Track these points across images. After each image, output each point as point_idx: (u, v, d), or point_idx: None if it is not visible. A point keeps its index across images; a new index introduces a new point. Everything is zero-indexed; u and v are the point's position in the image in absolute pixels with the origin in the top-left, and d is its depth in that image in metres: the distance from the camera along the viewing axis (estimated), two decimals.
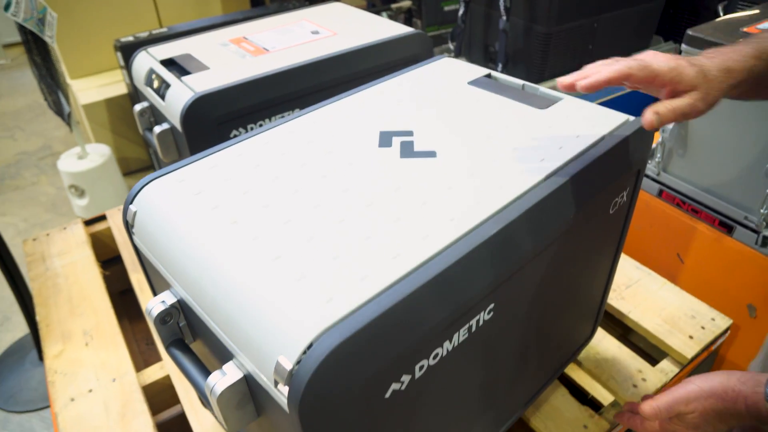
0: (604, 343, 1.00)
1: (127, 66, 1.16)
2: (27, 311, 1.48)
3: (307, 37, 1.16)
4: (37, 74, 1.85)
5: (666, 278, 1.11)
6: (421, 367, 0.51)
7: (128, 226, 0.63)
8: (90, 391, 0.95)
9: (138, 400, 0.93)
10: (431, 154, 0.64)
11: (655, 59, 0.60)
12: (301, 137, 0.69)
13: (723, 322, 1.02)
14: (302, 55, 1.06)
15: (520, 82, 0.81)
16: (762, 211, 1.06)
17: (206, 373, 0.56)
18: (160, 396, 0.99)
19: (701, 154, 1.14)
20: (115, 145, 2.20)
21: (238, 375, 0.51)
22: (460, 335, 0.54)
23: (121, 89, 2.19)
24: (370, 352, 0.45)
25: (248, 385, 0.52)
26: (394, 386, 0.49)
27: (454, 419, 0.64)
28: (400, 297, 0.46)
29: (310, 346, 0.43)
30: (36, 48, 1.79)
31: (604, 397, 0.93)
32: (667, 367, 0.97)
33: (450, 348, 0.53)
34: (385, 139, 0.67)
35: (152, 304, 0.59)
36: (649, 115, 0.60)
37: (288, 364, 0.43)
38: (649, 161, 1.25)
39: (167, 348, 0.61)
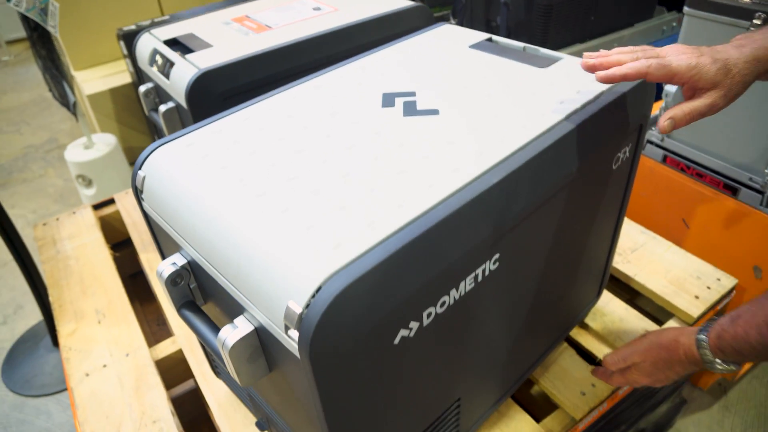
0: (611, 305, 1.01)
1: (130, 50, 1.16)
2: (40, 298, 1.50)
3: (309, 13, 1.16)
4: (41, 65, 1.86)
5: (671, 243, 1.11)
6: (428, 315, 0.52)
7: (137, 192, 0.64)
8: (104, 366, 0.96)
9: (151, 373, 0.95)
10: (434, 112, 0.65)
11: (676, 57, 0.58)
12: (304, 101, 0.70)
13: (728, 281, 1.02)
14: (305, 30, 1.07)
15: (521, 44, 0.81)
16: (766, 171, 1.06)
17: (218, 332, 0.58)
18: (172, 371, 1.00)
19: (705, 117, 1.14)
20: (120, 134, 2.21)
21: (249, 328, 0.52)
22: (467, 284, 0.55)
23: (125, 79, 2.20)
24: (378, 294, 0.46)
25: (259, 337, 0.53)
26: (403, 332, 0.50)
27: (463, 373, 0.65)
28: (405, 241, 0.47)
29: (318, 290, 0.44)
30: (39, 39, 1.81)
31: None
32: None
33: (457, 297, 0.54)
34: (388, 99, 0.68)
35: (162, 267, 0.60)
36: (662, 121, 0.61)
37: (297, 308, 0.44)
38: (654, 127, 1.25)
39: (179, 310, 0.62)
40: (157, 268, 0.60)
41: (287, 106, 0.69)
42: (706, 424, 1.38)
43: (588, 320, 0.98)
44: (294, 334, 0.45)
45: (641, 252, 1.10)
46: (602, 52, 0.62)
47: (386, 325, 0.48)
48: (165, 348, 1.00)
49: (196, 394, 1.09)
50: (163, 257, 0.70)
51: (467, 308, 0.57)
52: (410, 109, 0.66)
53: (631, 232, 1.15)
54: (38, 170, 2.43)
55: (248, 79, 0.99)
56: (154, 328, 1.34)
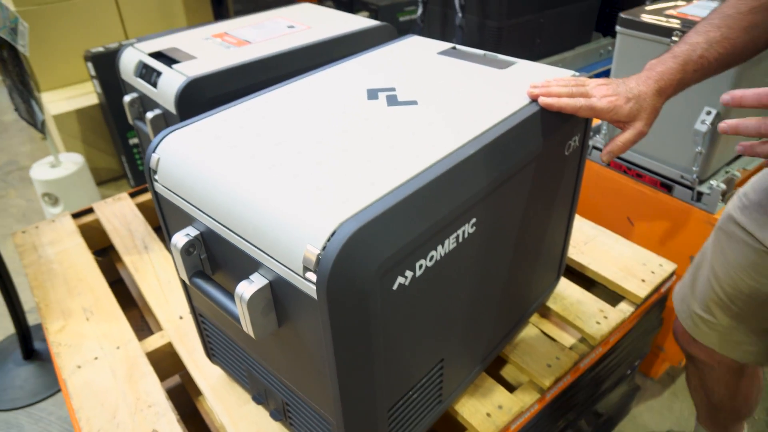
0: (568, 290, 1.12)
1: (99, 71, 1.21)
2: (14, 310, 1.49)
3: (285, 30, 1.25)
4: (9, 85, 1.87)
5: (620, 236, 1.24)
6: (420, 266, 0.61)
7: (150, 173, 0.71)
8: (95, 358, 0.99)
9: (143, 363, 0.98)
10: (413, 102, 0.75)
11: (599, 100, 0.73)
12: (298, 96, 0.78)
13: (669, 266, 1.15)
14: (283, 44, 1.16)
15: (482, 51, 0.93)
16: (694, 168, 1.21)
17: (229, 295, 0.64)
18: (161, 364, 1.04)
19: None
20: (86, 155, 2.22)
21: (263, 281, 0.59)
22: (450, 243, 0.64)
23: (92, 100, 2.23)
24: (381, 239, 0.54)
25: (273, 291, 0.60)
26: (400, 279, 0.59)
27: (446, 331, 0.73)
28: (401, 197, 0.56)
29: (333, 234, 0.52)
30: (10, 58, 1.82)
31: (570, 342, 1.05)
32: (625, 308, 1.09)
33: (443, 253, 0.63)
34: (372, 94, 0.78)
35: (177, 238, 0.67)
36: (603, 156, 0.78)
37: (315, 251, 0.52)
38: (597, 134, 1.39)
39: (191, 278, 0.68)
40: (172, 239, 0.67)
41: (283, 99, 0.78)
42: (657, 409, 1.50)
43: (549, 303, 1.08)
44: (311, 276, 0.53)
45: (593, 244, 1.23)
46: (545, 82, 0.77)
47: (388, 268, 0.56)
48: (154, 341, 1.04)
49: (180, 391, 1.13)
50: (169, 235, 0.76)
51: (451, 266, 0.66)
52: (392, 101, 0.75)
53: (583, 228, 1.27)
54: None
55: (233, 87, 1.07)
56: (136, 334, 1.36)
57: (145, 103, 1.18)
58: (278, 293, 0.60)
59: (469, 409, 0.89)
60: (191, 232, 0.67)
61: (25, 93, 1.87)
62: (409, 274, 0.59)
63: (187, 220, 0.68)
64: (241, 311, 0.60)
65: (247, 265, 0.62)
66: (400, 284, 0.59)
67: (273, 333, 0.65)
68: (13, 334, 1.66)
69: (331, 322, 0.54)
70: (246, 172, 0.62)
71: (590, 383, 1.11)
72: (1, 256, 1.43)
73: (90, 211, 1.39)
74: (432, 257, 0.62)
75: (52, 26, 2.23)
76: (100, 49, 2.07)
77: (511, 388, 0.95)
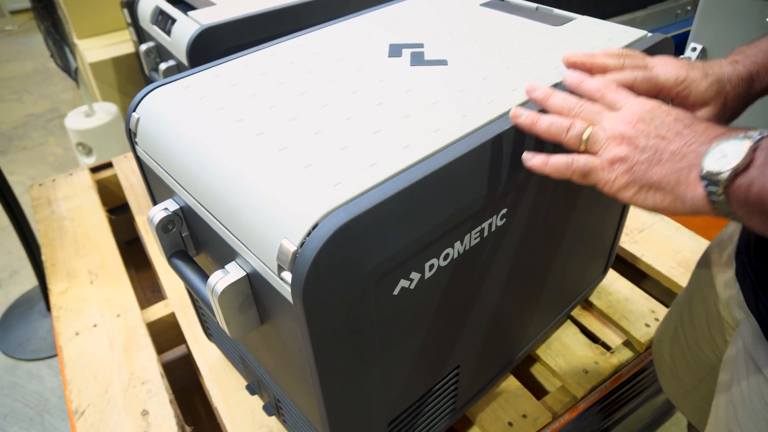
0: (616, 284, 0.98)
1: (133, 9, 1.14)
2: (36, 262, 1.48)
3: None
4: (44, 31, 1.83)
5: (680, 225, 1.08)
6: (431, 267, 0.49)
7: (131, 135, 0.61)
8: (94, 326, 0.94)
9: (142, 334, 0.92)
10: (442, 62, 0.62)
11: (663, 69, 0.52)
12: (309, 49, 0.67)
13: None
14: None
15: (534, 4, 0.78)
16: None
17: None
18: (164, 334, 0.98)
19: None
20: (122, 104, 2.17)
21: (240, 273, 0.50)
22: (472, 238, 0.52)
23: (128, 48, 2.16)
24: (379, 236, 0.43)
25: (252, 285, 0.50)
26: (403, 283, 0.48)
27: (463, 336, 0.62)
28: (409, 182, 0.44)
29: (315, 227, 0.41)
30: (43, 3, 1.77)
31: (614, 341, 0.92)
32: None
33: (461, 250, 0.52)
34: (395, 50, 0.65)
35: (154, 212, 0.57)
36: None
37: (291, 246, 0.41)
38: None
39: (169, 258, 0.60)
40: (148, 214, 0.58)
41: (291, 53, 0.66)
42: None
43: (593, 298, 0.95)
44: (287, 276, 0.43)
45: (649, 233, 1.08)
46: (587, 54, 0.55)
47: (386, 271, 0.45)
48: (157, 311, 0.98)
49: (187, 361, 1.07)
50: (155, 203, 0.67)
51: (471, 265, 0.54)
52: (418, 59, 0.63)
53: (639, 213, 1.12)
54: (39, 138, 2.40)
55: (251, 38, 0.96)
56: (149, 295, 1.31)
57: (161, 53, 1.09)
58: (257, 287, 0.50)
59: (489, 416, 0.79)
60: (171, 206, 0.58)
61: (59, 39, 1.82)
62: (415, 276, 0.48)
63: (169, 191, 0.59)
64: (215, 306, 0.51)
65: (225, 252, 0.52)
66: (402, 288, 0.48)
67: (257, 330, 0.56)
68: (38, 285, 1.66)
69: (310, 331, 0.44)
70: (228, 141, 0.51)
71: (631, 391, 0.99)
72: (21, 208, 1.40)
73: (109, 165, 1.33)
74: (447, 255, 0.50)
75: None
76: None
77: (539, 389, 0.84)
